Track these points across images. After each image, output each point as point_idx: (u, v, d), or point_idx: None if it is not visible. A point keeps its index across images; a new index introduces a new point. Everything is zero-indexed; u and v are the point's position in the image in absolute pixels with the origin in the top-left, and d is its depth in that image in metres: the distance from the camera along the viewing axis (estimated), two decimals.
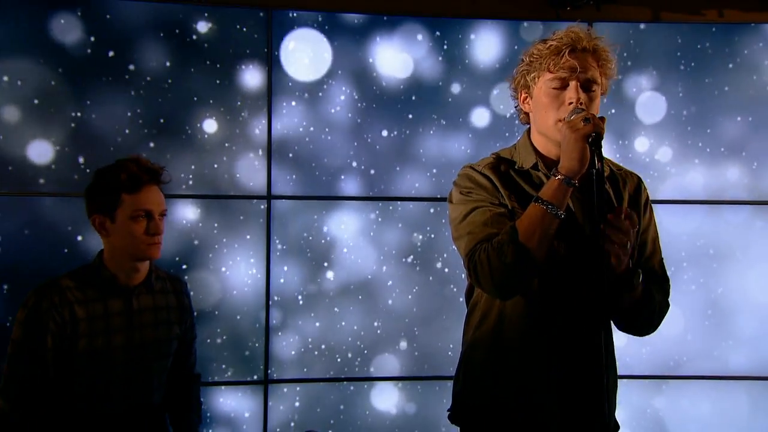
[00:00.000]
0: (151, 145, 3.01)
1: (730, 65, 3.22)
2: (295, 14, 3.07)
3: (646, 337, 1.90)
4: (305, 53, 3.09)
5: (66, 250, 2.96)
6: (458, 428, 1.90)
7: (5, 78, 2.90)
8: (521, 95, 1.83)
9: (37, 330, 1.97)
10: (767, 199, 3.25)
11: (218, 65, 3.05)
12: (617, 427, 1.84)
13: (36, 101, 2.92)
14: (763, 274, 3.25)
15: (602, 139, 1.57)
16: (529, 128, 1.88)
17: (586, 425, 1.74)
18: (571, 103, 1.68)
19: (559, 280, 1.72)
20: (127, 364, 2.09)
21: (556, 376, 1.73)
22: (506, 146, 1.91)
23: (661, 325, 1.84)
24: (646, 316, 1.78)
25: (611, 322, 1.80)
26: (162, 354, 2.20)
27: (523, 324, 1.74)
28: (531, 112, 1.82)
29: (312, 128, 3.12)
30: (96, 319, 2.05)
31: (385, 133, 3.16)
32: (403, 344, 3.21)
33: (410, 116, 3.17)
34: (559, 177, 1.61)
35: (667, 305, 1.84)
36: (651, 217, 1.88)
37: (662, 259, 1.89)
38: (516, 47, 3.15)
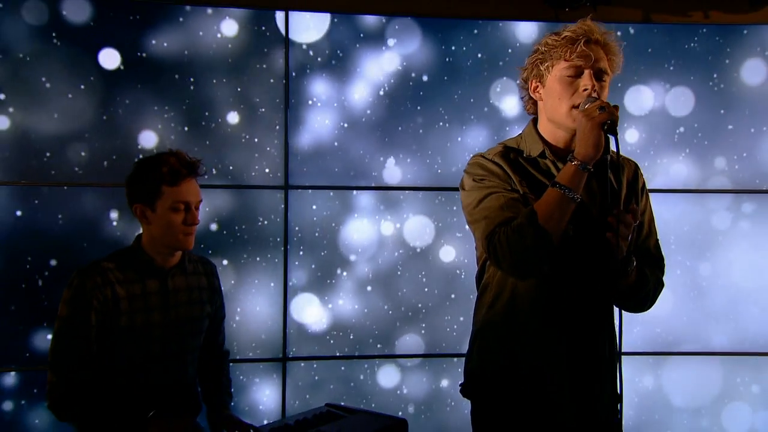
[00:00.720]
0: (173, 137, 3.03)
1: (714, 63, 3.26)
2: (310, 15, 3.08)
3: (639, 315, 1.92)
4: (320, 51, 3.10)
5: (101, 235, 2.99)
6: (469, 401, 1.90)
7: (43, 78, 2.92)
8: (532, 84, 1.82)
9: (82, 308, 2.00)
10: (747, 188, 3.29)
11: (239, 64, 3.05)
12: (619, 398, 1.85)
13: (70, 95, 2.94)
14: (741, 257, 3.31)
15: (617, 126, 1.58)
16: (535, 118, 1.87)
17: (594, 396, 1.76)
18: (585, 90, 1.68)
19: (568, 261, 1.72)
20: (164, 341, 2.13)
21: (566, 350, 1.74)
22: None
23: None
24: (641, 297, 1.80)
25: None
26: (195, 331, 2.24)
27: (534, 303, 1.75)
28: (542, 101, 1.80)
29: (327, 122, 3.13)
30: (135, 298, 2.09)
31: (400, 127, 3.18)
32: (414, 325, 3.24)
33: (419, 108, 3.18)
34: (575, 163, 1.61)
35: (662, 284, 1.87)
36: (647, 201, 1.90)
37: (658, 240, 1.91)
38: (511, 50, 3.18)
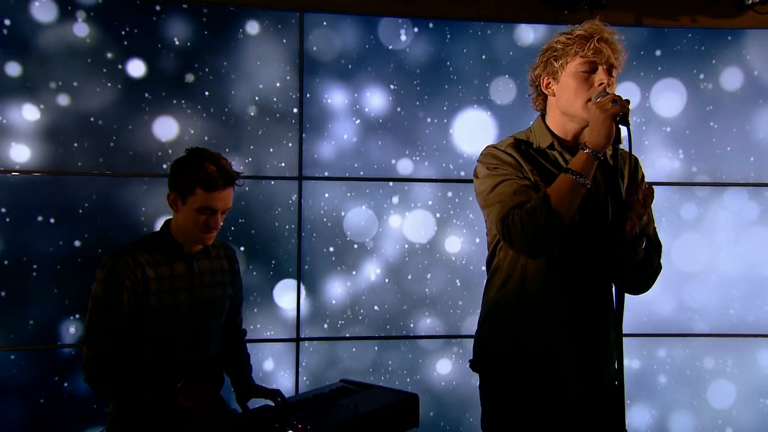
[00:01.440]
0: (192, 132, 3.04)
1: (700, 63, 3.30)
2: (324, 16, 3.09)
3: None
4: (334, 51, 3.12)
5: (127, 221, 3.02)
6: (477, 377, 1.92)
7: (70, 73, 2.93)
8: (544, 81, 1.83)
9: (115, 287, 2.02)
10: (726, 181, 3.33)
11: (257, 62, 3.06)
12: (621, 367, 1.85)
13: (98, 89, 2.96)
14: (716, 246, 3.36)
15: (629, 117, 1.60)
16: (543, 113, 1.89)
17: (599, 371, 1.79)
18: (601, 84, 1.69)
19: (576, 244, 1.74)
20: (189, 320, 2.15)
21: (573, 328, 1.76)
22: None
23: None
24: (646, 276, 1.82)
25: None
26: (218, 311, 2.26)
27: (543, 283, 1.77)
28: (554, 96, 1.82)
29: (340, 116, 3.15)
30: (163, 280, 2.10)
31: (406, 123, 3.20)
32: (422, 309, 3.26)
33: (421, 102, 3.20)
34: (587, 151, 1.64)
35: (660, 267, 1.89)
36: None
37: (656, 227, 1.93)
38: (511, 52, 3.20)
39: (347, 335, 3.20)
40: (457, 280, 3.25)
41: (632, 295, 1.88)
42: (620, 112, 1.60)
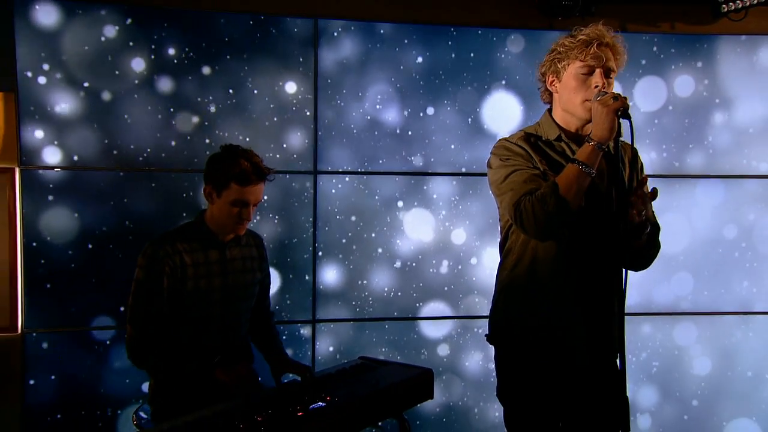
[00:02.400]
0: (217, 131, 3.04)
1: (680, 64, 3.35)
2: (336, 23, 3.10)
3: None
4: (344, 53, 3.13)
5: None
6: (493, 348, 1.97)
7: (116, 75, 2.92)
8: (549, 78, 1.87)
9: (155, 272, 2.05)
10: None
11: (275, 62, 3.06)
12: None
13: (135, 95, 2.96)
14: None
15: (629, 111, 1.65)
16: (550, 108, 1.93)
17: (606, 341, 1.83)
18: (596, 87, 1.74)
19: (582, 227, 1.78)
20: (223, 303, 2.18)
21: (581, 304, 1.80)
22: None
23: None
24: (650, 255, 1.88)
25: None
26: (248, 295, 2.28)
27: (553, 263, 1.81)
28: (557, 93, 1.86)
29: (353, 114, 3.15)
30: (199, 266, 2.13)
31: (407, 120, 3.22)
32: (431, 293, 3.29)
33: (425, 103, 3.21)
34: (592, 143, 1.68)
35: (659, 246, 1.93)
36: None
37: (653, 210, 1.96)
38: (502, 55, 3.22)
39: (365, 316, 3.22)
40: (459, 266, 3.29)
41: (634, 271, 1.92)
42: (621, 107, 1.65)
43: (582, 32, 1.79)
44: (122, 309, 2.93)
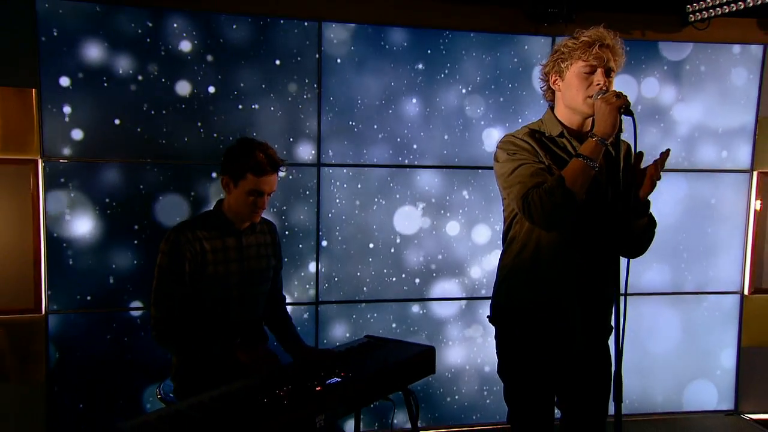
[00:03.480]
0: (227, 125, 3.01)
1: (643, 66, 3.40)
2: (339, 25, 3.08)
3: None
4: (346, 53, 3.11)
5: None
6: (494, 328, 1.97)
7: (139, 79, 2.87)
8: (552, 77, 1.86)
9: (178, 258, 2.02)
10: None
11: (282, 62, 3.03)
12: (611, 328, 1.93)
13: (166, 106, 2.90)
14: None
15: (630, 107, 1.66)
16: (552, 106, 1.91)
17: (602, 322, 1.86)
18: (598, 85, 1.73)
19: (583, 218, 1.78)
20: (240, 286, 2.16)
21: (580, 289, 1.82)
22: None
23: None
24: (648, 237, 1.87)
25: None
26: (263, 279, 2.26)
27: (555, 250, 1.81)
28: (560, 91, 1.85)
29: (355, 110, 3.14)
30: (218, 252, 2.11)
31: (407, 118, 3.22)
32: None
33: (424, 98, 3.21)
34: (596, 139, 1.68)
35: (655, 233, 1.92)
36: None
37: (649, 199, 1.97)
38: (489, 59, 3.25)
39: (364, 298, 3.23)
40: (455, 253, 3.32)
41: (630, 258, 1.93)
42: (624, 104, 1.65)
43: (584, 34, 1.77)
44: (131, 290, 2.91)
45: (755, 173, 3.54)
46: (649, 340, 3.53)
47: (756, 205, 3.58)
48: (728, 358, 3.62)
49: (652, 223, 1.86)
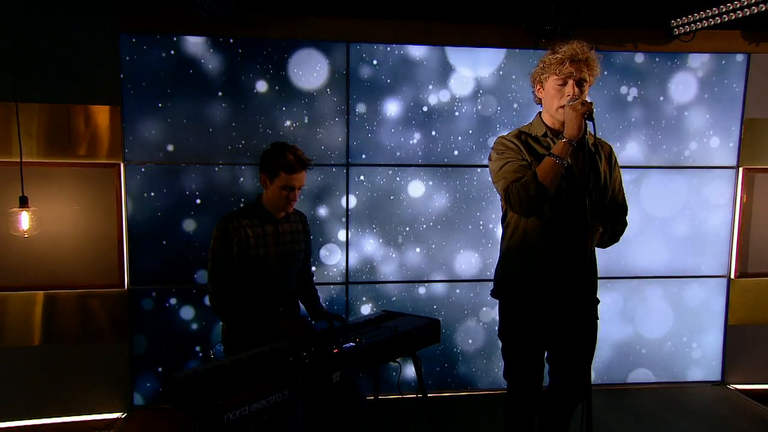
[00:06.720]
0: (280, 133, 3.05)
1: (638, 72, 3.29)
2: (364, 45, 3.07)
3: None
4: (371, 69, 3.10)
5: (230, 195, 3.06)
6: (497, 301, 2.00)
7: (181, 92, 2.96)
8: (536, 86, 1.89)
9: (227, 242, 2.09)
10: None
11: (315, 79, 3.05)
12: (598, 300, 1.95)
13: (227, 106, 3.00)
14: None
15: (593, 114, 1.67)
16: (540, 111, 1.92)
17: (581, 297, 1.85)
18: (568, 95, 1.75)
19: (561, 206, 1.80)
20: (277, 266, 2.21)
21: (562, 264, 1.83)
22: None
23: None
24: (615, 241, 1.94)
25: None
26: (296, 260, 2.31)
27: (539, 234, 1.83)
28: (542, 98, 1.87)
29: (379, 117, 3.12)
30: (259, 237, 2.16)
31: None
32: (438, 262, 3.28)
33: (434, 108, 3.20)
34: (564, 140, 1.70)
35: (626, 224, 1.94)
36: (618, 170, 1.97)
37: (624, 194, 1.97)
38: (499, 72, 3.20)
39: (391, 279, 3.22)
40: (460, 237, 3.29)
41: (604, 248, 1.94)
42: (587, 111, 1.67)
43: (560, 49, 1.78)
44: (191, 270, 3.02)
45: (741, 169, 3.40)
46: (643, 318, 3.42)
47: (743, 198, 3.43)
48: (716, 335, 3.48)
49: (614, 237, 1.91)
